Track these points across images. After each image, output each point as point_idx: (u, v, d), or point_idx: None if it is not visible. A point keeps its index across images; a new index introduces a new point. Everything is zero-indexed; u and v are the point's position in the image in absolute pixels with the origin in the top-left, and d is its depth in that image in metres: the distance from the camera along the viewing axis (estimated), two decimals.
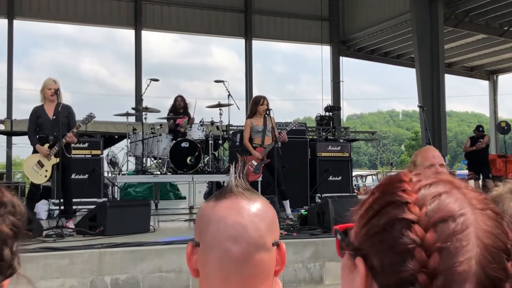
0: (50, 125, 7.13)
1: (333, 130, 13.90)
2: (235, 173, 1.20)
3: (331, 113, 14.55)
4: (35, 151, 7.19)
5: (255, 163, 8.51)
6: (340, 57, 18.83)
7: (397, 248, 0.70)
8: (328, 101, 17.03)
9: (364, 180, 27.41)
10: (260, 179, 8.77)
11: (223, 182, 9.34)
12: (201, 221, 1.18)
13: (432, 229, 0.70)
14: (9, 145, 15.12)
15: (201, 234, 1.16)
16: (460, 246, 0.69)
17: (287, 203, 8.69)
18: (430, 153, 3.55)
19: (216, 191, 1.24)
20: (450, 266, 0.68)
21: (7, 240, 0.61)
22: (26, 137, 7.64)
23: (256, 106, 8.52)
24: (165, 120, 10.40)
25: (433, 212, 0.71)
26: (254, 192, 1.20)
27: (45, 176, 7.17)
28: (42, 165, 7.10)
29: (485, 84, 22.73)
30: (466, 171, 16.03)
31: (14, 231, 0.62)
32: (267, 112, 8.42)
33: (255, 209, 1.15)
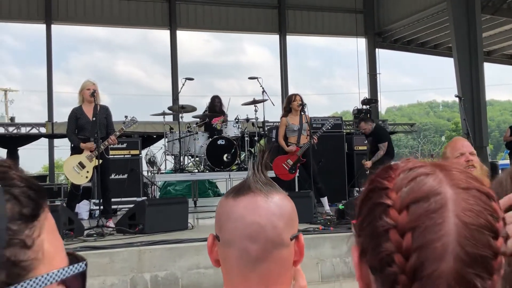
0: (91, 126, 7.25)
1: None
2: (254, 167, 1.21)
3: (368, 106, 14.42)
4: (74, 153, 7.33)
5: (291, 162, 8.51)
6: (376, 49, 18.62)
7: (376, 231, 0.74)
8: (364, 94, 16.85)
9: None
10: (297, 175, 8.77)
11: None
12: (220, 217, 1.20)
13: (405, 210, 0.72)
14: (51, 147, 15.45)
15: (220, 230, 1.19)
16: (433, 224, 0.71)
17: (325, 200, 8.66)
18: (459, 143, 3.58)
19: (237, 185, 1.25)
20: (423, 245, 0.70)
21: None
22: (67, 139, 7.79)
23: (289, 103, 8.54)
24: (199, 119, 10.48)
25: (406, 194, 0.73)
26: (272, 187, 1.20)
27: (86, 177, 7.30)
28: (83, 166, 7.23)
29: None
30: (509, 161, 15.68)
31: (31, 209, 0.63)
32: (302, 107, 8.41)
33: (273, 206, 1.16)
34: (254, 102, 9.71)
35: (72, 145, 7.44)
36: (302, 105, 8.43)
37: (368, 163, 10.12)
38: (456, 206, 0.72)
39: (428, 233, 0.70)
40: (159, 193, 12.29)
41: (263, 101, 9.71)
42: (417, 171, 0.76)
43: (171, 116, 11.15)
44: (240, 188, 1.20)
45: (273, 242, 1.14)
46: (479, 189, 0.74)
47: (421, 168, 0.77)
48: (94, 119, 7.21)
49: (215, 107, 10.37)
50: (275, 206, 1.16)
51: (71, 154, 7.40)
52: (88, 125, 7.28)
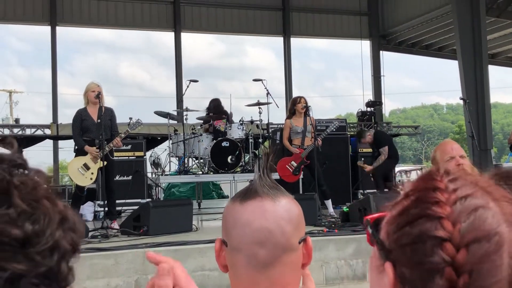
0: (96, 128, 7.27)
1: (375, 125, 13.78)
2: (259, 170, 1.20)
3: (372, 109, 14.41)
4: (79, 154, 7.35)
5: (294, 164, 8.51)
6: (380, 52, 18.60)
7: (427, 265, 0.69)
8: (369, 96, 16.85)
9: (408, 175, 27.02)
10: (301, 177, 8.77)
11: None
12: (227, 222, 1.19)
13: (464, 248, 0.68)
14: (55, 149, 15.47)
15: (228, 235, 1.17)
16: (492, 267, 0.67)
17: (329, 203, 8.66)
18: (448, 146, 3.46)
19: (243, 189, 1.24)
20: (479, 287, 0.67)
21: (66, 255, 0.65)
22: (72, 141, 7.80)
23: (294, 105, 8.56)
24: (202, 121, 10.49)
25: (467, 230, 0.68)
26: (279, 190, 1.19)
27: (91, 179, 7.31)
28: (88, 168, 7.24)
29: None
30: None
31: (73, 247, 0.66)
32: (306, 109, 8.42)
33: (280, 211, 1.15)
34: (259, 104, 9.72)
35: (77, 147, 7.45)
36: (307, 107, 8.44)
37: (368, 168, 10.12)
38: (510, 246, 0.69)
39: (487, 277, 0.67)
40: (163, 194, 12.30)
41: (267, 103, 9.72)
42: (473, 201, 0.71)
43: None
44: (246, 193, 1.18)
45: (282, 246, 1.14)
46: None
47: (476, 197, 0.71)
48: (99, 121, 7.22)
49: (213, 109, 10.38)
50: (283, 210, 1.15)
51: (76, 156, 7.41)
52: (93, 127, 7.29)
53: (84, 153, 7.26)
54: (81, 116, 7.36)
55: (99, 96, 7.24)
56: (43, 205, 0.65)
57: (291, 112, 8.63)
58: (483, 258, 0.67)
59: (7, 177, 0.64)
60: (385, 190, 9.71)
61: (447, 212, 0.70)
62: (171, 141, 9.81)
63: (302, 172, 8.68)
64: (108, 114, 7.39)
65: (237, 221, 1.16)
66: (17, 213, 0.62)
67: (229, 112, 10.39)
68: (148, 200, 9.43)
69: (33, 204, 0.64)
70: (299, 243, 1.17)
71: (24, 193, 0.64)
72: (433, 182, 0.75)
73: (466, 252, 0.67)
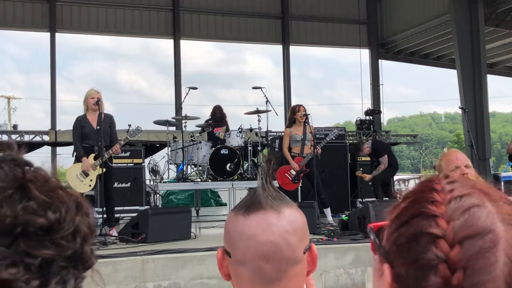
0: (95, 134, 7.26)
1: (373, 134, 13.78)
2: (262, 179, 1.18)
3: (371, 117, 14.42)
4: (78, 161, 7.33)
5: (294, 172, 8.51)
6: (379, 60, 18.65)
7: (421, 262, 0.69)
8: (367, 105, 16.87)
9: (406, 184, 27.00)
10: (300, 185, 8.76)
11: None
12: (230, 234, 1.17)
13: (458, 245, 0.68)
14: (53, 155, 15.44)
15: (232, 248, 1.16)
16: (486, 264, 0.67)
17: (328, 211, 8.65)
18: (454, 155, 3.47)
19: (245, 196, 1.22)
20: (473, 285, 0.67)
21: (86, 237, 0.70)
22: (70, 147, 7.79)
23: (293, 114, 8.57)
24: (201, 128, 10.49)
25: (461, 227, 0.69)
26: (282, 200, 1.17)
27: (89, 186, 7.29)
28: (86, 174, 7.22)
29: None
30: (511, 173, 15.67)
31: (90, 230, 0.71)
32: (306, 118, 8.43)
33: (285, 223, 1.13)
34: (258, 111, 9.72)
35: (76, 154, 7.44)
36: (306, 115, 8.44)
37: (367, 176, 10.12)
38: (506, 246, 0.68)
39: (481, 274, 0.67)
40: (161, 202, 12.27)
41: (267, 111, 9.72)
42: (468, 200, 0.72)
43: (174, 125, 11.16)
44: (250, 205, 1.16)
45: (288, 260, 1.12)
46: None
47: (472, 197, 0.72)
48: (98, 127, 7.21)
49: (215, 117, 10.40)
50: (287, 223, 1.14)
51: (75, 162, 7.39)
52: (92, 134, 7.28)
53: None
54: (80, 123, 7.35)
55: (98, 102, 7.24)
56: (59, 194, 0.70)
57: (291, 120, 8.64)
58: (477, 255, 0.67)
59: (21, 173, 0.68)
60: (385, 198, 9.71)
61: (442, 210, 0.71)
62: (170, 148, 9.80)
63: (300, 180, 8.67)
64: (107, 121, 7.38)
65: (241, 234, 1.14)
66: (38, 204, 0.67)
67: (227, 124, 10.43)
68: (146, 207, 9.41)
69: (50, 195, 0.68)
70: (304, 253, 1.16)
71: (39, 185, 0.68)
72: (430, 184, 0.76)
73: (460, 249, 0.68)
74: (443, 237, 0.69)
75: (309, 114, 8.49)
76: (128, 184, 9.79)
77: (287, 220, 1.14)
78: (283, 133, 8.96)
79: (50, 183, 0.70)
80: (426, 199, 0.73)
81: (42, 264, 0.65)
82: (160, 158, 11.53)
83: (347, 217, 7.51)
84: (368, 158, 11.04)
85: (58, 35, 15.76)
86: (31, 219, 0.65)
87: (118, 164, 9.29)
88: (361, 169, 10.88)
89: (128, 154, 9.98)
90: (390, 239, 0.75)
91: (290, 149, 8.61)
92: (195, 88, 10.45)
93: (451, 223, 0.69)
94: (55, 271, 0.66)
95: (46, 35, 15.63)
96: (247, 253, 1.13)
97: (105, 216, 7.30)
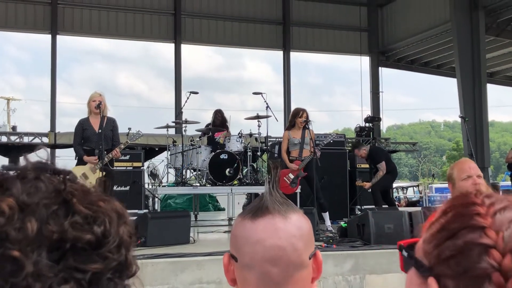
0: (96, 138, 7.25)
1: (373, 141, 13.80)
2: (269, 185, 1.19)
3: (371, 124, 14.44)
4: (78, 164, 7.32)
5: (292, 176, 8.49)
6: (379, 68, 18.69)
7: (474, 272, 0.71)
8: (366, 112, 16.90)
9: (405, 191, 27.02)
10: (298, 191, 8.75)
11: (262, 194, 9.31)
12: (237, 239, 1.18)
13: (509, 254, 0.70)
14: (52, 158, 15.44)
15: (238, 252, 1.17)
16: None
17: (326, 216, 8.64)
18: (466, 164, 3.48)
19: (253, 201, 1.23)
20: None
21: (129, 246, 0.70)
22: (68, 149, 7.78)
23: (294, 118, 8.53)
24: (201, 132, 10.50)
25: (510, 237, 0.71)
26: (289, 206, 1.19)
27: None
28: (86, 178, 7.21)
29: None
30: (510, 182, 15.67)
31: (132, 239, 0.72)
32: (306, 124, 8.41)
33: (292, 228, 1.15)
34: (258, 117, 9.72)
35: (77, 155, 7.44)
36: (307, 122, 8.43)
37: (367, 185, 10.12)
38: None
39: None
40: (159, 205, 12.25)
41: (267, 116, 9.72)
42: (511, 212, 0.74)
43: (174, 129, 11.16)
44: (257, 210, 1.17)
45: (294, 264, 1.13)
46: None
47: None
48: (99, 131, 7.20)
49: (216, 121, 10.40)
50: (294, 228, 1.15)
51: (76, 165, 7.38)
52: (93, 137, 7.27)
53: (84, 163, 7.24)
54: (82, 126, 7.34)
55: (99, 106, 7.22)
56: (101, 206, 0.69)
57: (291, 124, 8.62)
58: None
59: (61, 185, 0.68)
60: (384, 206, 9.70)
61: (489, 222, 0.73)
62: (169, 152, 9.80)
63: (299, 185, 8.66)
64: (110, 125, 7.37)
65: (248, 239, 1.15)
66: (83, 219, 0.67)
67: (228, 129, 10.44)
68: (145, 211, 9.40)
69: (92, 208, 0.68)
70: (310, 258, 1.17)
71: (80, 198, 0.68)
72: (469, 198, 0.78)
73: (511, 258, 0.70)
74: (494, 247, 0.71)
75: (310, 121, 8.48)
76: (128, 188, 9.79)
77: (294, 225, 1.15)
78: (282, 137, 8.95)
79: (90, 195, 0.70)
80: (470, 212, 0.75)
81: (92, 279, 0.65)
82: (159, 162, 11.55)
83: (346, 224, 7.50)
84: (367, 166, 11.05)
85: (59, 38, 15.78)
86: (79, 235, 0.65)
87: (117, 167, 9.29)
88: (360, 178, 10.89)
89: (127, 157, 9.99)
90: (432, 253, 0.76)
91: (289, 152, 8.60)
92: (196, 93, 10.46)
93: (500, 234, 0.71)
94: (104, 284, 0.66)
95: (47, 37, 15.66)
96: (254, 257, 1.13)
97: None
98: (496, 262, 0.70)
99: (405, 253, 0.82)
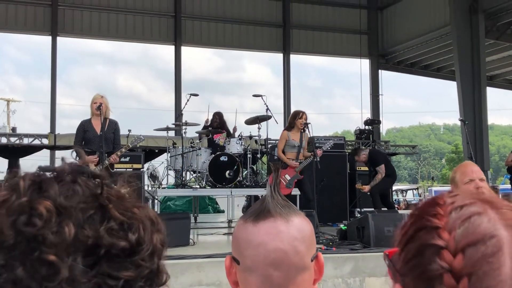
0: (97, 140, 7.24)
1: (373, 144, 13.80)
2: (271, 187, 1.19)
3: (370, 127, 14.45)
4: None
5: (288, 177, 8.50)
6: (379, 71, 18.70)
7: (427, 274, 0.70)
8: (366, 114, 16.92)
9: (404, 194, 27.03)
10: (298, 193, 8.75)
11: (261, 196, 9.30)
12: (239, 242, 1.18)
13: (460, 253, 0.69)
14: (52, 159, 15.44)
15: (240, 255, 1.17)
16: (491, 269, 0.68)
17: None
18: (469, 168, 3.47)
19: (254, 204, 1.23)
20: None
21: (161, 255, 0.70)
22: (68, 151, 7.76)
23: (294, 119, 8.54)
24: (199, 134, 10.51)
25: (462, 236, 0.70)
26: (291, 209, 1.19)
27: None
28: None
29: None
30: (509, 186, 15.67)
31: (163, 247, 0.71)
32: (305, 126, 8.42)
33: (294, 231, 1.15)
34: (258, 119, 9.72)
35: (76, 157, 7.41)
36: (306, 124, 8.43)
37: (366, 188, 10.11)
38: (511, 249, 0.69)
39: (486, 280, 0.67)
40: (158, 207, 12.24)
41: (267, 118, 9.73)
42: (469, 209, 0.72)
43: (173, 131, 11.17)
44: (259, 213, 1.17)
45: (296, 267, 1.13)
46: None
47: (472, 206, 0.73)
48: (101, 133, 7.18)
49: (213, 123, 10.42)
50: (296, 231, 1.15)
51: None
52: (94, 139, 7.25)
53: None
54: (83, 127, 7.31)
55: (100, 108, 7.20)
56: (136, 213, 0.69)
57: (291, 125, 8.62)
58: (480, 261, 0.68)
59: (97, 189, 0.67)
60: (383, 209, 9.70)
61: (443, 222, 0.72)
62: (169, 154, 9.80)
63: (294, 187, 8.67)
64: (112, 127, 7.34)
65: (250, 242, 1.15)
66: (118, 225, 0.66)
67: (233, 126, 10.46)
68: None
69: (127, 214, 0.67)
70: (312, 261, 1.17)
71: (116, 204, 0.67)
72: (434, 199, 0.77)
73: (463, 257, 0.68)
74: (446, 247, 0.70)
75: (309, 123, 8.49)
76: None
77: (295, 228, 1.15)
78: (280, 136, 8.94)
79: (125, 201, 0.69)
80: (429, 213, 0.74)
81: (124, 286, 0.65)
82: (159, 163, 11.55)
83: (345, 227, 7.49)
84: (366, 168, 11.05)
85: (59, 39, 15.79)
86: (114, 242, 0.64)
87: (117, 169, 9.30)
88: (360, 181, 10.89)
89: (127, 159, 9.98)
90: (400, 258, 0.76)
91: (284, 154, 8.60)
92: (196, 95, 10.46)
93: (453, 233, 0.70)
94: None
95: (48, 39, 15.67)
96: (256, 260, 1.13)
97: None
98: (446, 263, 0.69)
99: (387, 262, 0.81)
